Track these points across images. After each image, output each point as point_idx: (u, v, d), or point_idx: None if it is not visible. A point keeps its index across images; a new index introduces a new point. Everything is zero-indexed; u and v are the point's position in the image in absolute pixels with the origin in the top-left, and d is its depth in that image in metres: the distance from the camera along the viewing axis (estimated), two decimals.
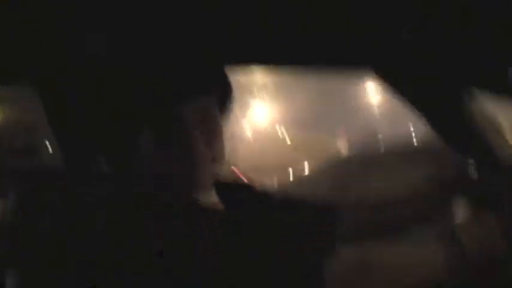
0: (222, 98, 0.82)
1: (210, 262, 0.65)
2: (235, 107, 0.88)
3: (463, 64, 1.30)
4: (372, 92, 2.00)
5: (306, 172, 1.92)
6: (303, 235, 0.88)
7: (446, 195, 0.96)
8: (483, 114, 1.35)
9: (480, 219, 0.71)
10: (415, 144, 1.71)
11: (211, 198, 0.83)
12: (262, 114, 2.02)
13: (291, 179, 1.89)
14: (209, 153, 0.77)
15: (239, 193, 0.92)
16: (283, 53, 1.27)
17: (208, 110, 0.78)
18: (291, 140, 2.00)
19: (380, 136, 1.89)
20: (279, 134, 2.02)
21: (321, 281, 0.62)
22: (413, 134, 1.79)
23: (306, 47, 1.26)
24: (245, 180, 1.06)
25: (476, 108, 1.35)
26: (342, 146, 1.98)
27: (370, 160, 1.70)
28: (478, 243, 0.67)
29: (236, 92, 0.86)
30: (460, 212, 0.92)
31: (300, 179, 1.83)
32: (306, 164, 1.92)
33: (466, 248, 0.65)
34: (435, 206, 0.96)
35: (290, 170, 1.90)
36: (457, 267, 0.66)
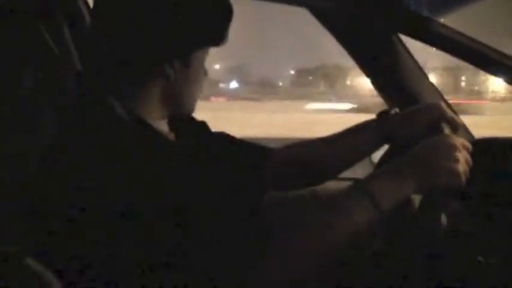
0: None
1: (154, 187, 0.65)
2: None
3: (390, 9, 1.35)
4: None
5: None
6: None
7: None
8: (409, 59, 1.43)
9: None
10: None
11: (164, 127, 0.84)
12: None
13: None
14: None
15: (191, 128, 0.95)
16: None
17: None
18: None
19: None
20: None
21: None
22: None
23: None
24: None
25: (403, 52, 1.42)
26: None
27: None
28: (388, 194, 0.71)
29: None
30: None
31: None
32: None
33: (376, 198, 0.70)
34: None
35: None
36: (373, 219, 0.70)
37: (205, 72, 0.86)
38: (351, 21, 1.41)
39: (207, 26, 0.78)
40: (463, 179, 0.72)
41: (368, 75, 1.48)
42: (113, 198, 0.63)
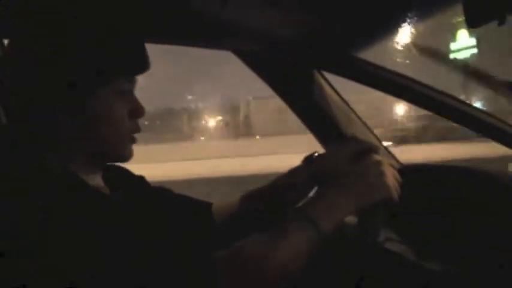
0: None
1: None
2: None
3: (311, 47, 1.39)
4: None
5: None
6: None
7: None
8: (333, 94, 1.48)
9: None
10: None
11: (97, 181, 0.83)
12: None
13: None
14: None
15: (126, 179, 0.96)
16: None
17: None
18: None
19: None
20: None
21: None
22: None
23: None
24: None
25: (327, 88, 1.47)
26: None
27: None
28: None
29: None
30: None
31: None
32: None
33: (317, 221, 0.73)
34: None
35: None
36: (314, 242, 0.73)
37: (139, 109, 0.82)
38: (275, 62, 1.42)
39: (99, 65, 0.74)
40: (394, 191, 0.78)
41: (295, 113, 1.49)
42: (41, 255, 0.60)
